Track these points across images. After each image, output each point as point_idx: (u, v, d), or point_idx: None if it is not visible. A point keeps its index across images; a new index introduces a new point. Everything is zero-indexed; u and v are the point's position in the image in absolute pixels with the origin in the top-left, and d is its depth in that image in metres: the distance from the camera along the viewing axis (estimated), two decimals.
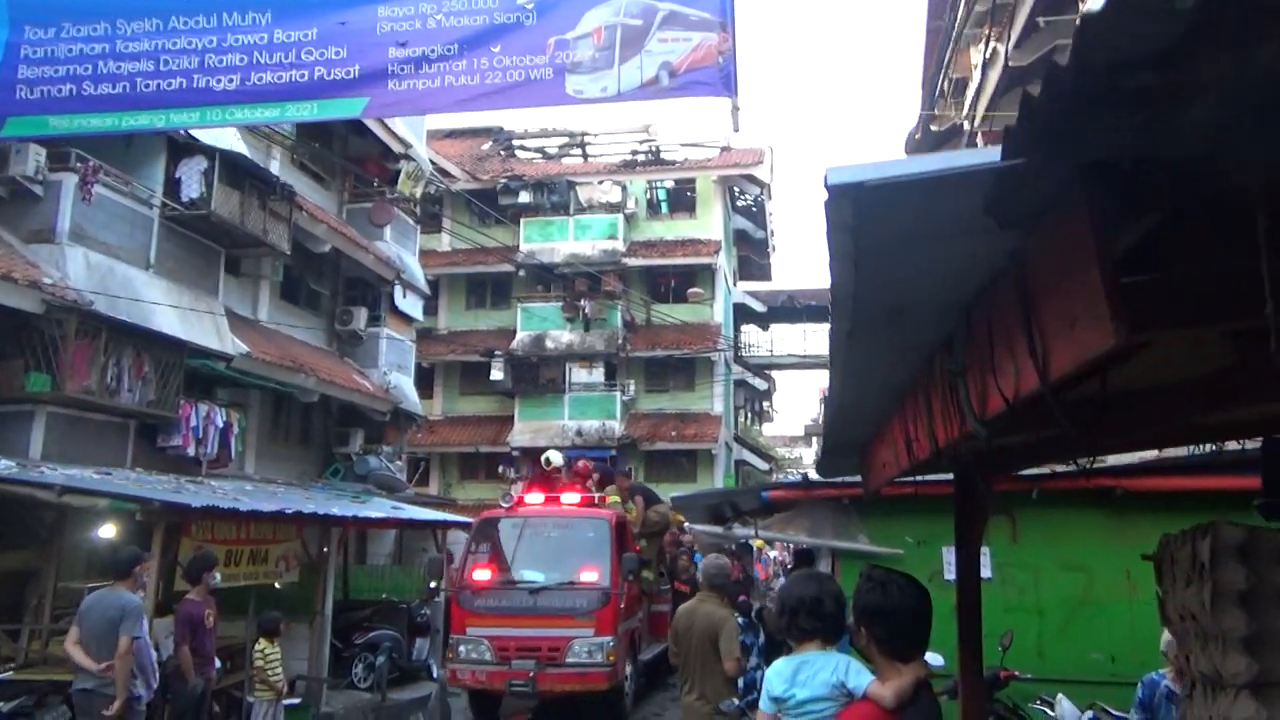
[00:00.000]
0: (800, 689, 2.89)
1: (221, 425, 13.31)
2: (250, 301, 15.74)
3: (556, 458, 13.75)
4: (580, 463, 13.89)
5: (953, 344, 2.40)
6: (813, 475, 7.88)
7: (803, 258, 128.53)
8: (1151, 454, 6.34)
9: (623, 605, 10.96)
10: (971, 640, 3.73)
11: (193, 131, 12.35)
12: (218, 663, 8.45)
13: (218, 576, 8.32)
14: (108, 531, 8.76)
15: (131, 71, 5.16)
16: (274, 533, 10.32)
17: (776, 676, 2.99)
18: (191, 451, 12.67)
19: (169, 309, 12.21)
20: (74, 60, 5.17)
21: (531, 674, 10.22)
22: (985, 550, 6.62)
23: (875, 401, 3.00)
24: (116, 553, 6.86)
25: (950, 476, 6.95)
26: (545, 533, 11.65)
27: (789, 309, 33.53)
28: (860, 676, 2.76)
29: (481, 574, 11.16)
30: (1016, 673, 5.90)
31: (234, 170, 13.24)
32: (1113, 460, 6.39)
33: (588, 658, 10.35)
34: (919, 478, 6.25)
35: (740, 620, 6.90)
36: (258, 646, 8.80)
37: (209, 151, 12.76)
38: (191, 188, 12.53)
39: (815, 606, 2.92)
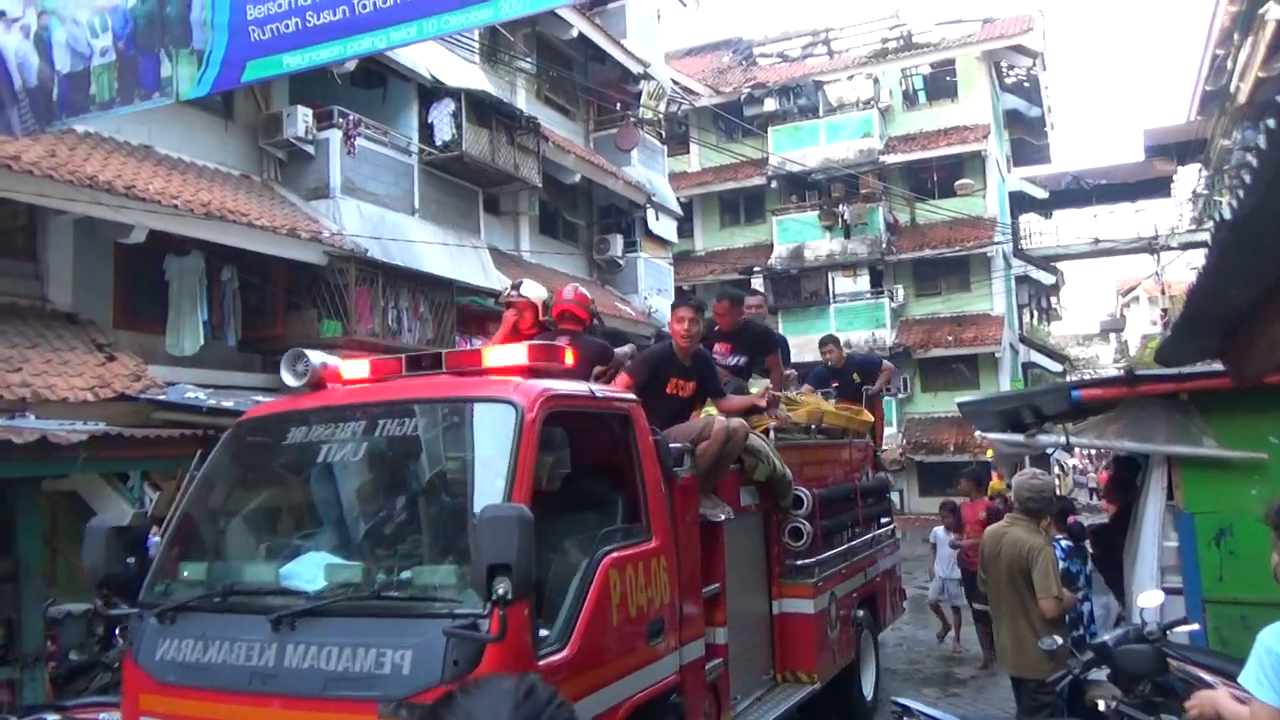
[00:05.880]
0: None
1: None
2: (512, 237, 16.19)
3: (535, 290, 5.85)
4: (571, 292, 5.81)
5: None
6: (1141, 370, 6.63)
7: (1087, 131, 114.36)
8: None
9: (568, 652, 3.59)
10: None
11: (437, 73, 12.62)
12: None
13: None
14: None
15: None
16: None
17: None
18: None
19: (437, 251, 12.69)
20: None
21: None
22: None
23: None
24: None
25: None
26: (356, 455, 4.14)
27: (1075, 192, 30.00)
28: None
29: (195, 569, 4.11)
30: None
31: (481, 109, 13.44)
32: None
33: None
34: None
35: (1064, 545, 5.94)
36: None
37: (455, 93, 13.00)
38: (443, 130, 12.86)
39: None
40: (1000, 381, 25.18)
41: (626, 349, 6.17)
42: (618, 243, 18.44)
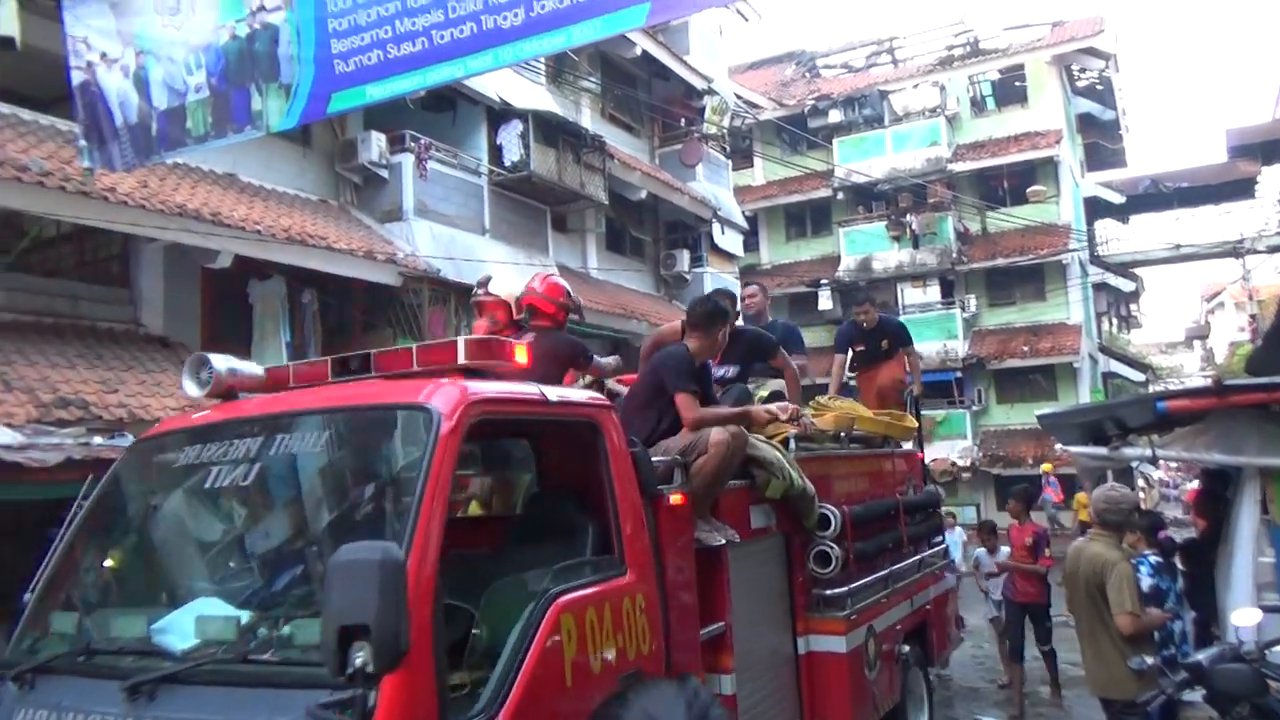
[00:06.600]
0: None
1: None
2: (579, 255, 16.38)
3: (506, 287, 5.43)
4: (540, 282, 5.36)
5: None
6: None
7: (1165, 133, 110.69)
8: None
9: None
10: None
11: (504, 95, 12.88)
12: None
13: None
14: None
15: (426, 25, 5.15)
16: None
17: None
18: None
19: (507, 270, 12.90)
20: (374, 25, 5.24)
21: None
22: None
23: None
24: None
25: None
26: (246, 480, 3.24)
27: (1153, 196, 29.14)
28: None
29: (65, 620, 3.33)
30: None
31: (548, 128, 13.67)
32: None
33: None
34: None
35: (1153, 560, 5.77)
36: None
37: (523, 114, 13.25)
38: (512, 151, 13.12)
39: None
40: (1079, 393, 24.52)
41: (612, 360, 5.61)
42: (684, 258, 18.51)
